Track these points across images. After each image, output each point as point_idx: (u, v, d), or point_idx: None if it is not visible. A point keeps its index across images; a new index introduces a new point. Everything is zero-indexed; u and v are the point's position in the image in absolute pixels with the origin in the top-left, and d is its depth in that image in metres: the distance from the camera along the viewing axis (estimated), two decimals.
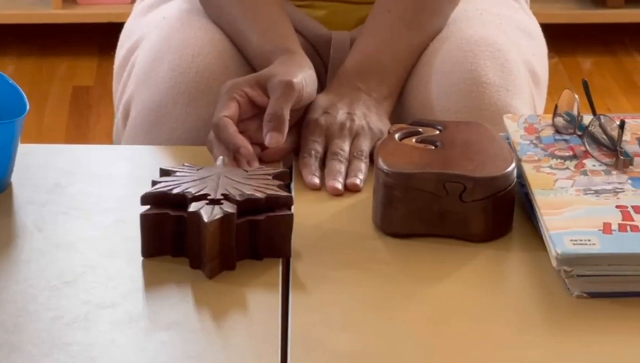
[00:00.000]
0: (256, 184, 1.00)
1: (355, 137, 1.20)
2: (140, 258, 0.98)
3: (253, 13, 1.30)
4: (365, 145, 1.18)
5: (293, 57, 1.22)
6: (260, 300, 0.94)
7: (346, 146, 1.18)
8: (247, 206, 0.97)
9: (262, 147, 1.15)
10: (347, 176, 1.15)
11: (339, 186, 1.10)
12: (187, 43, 1.30)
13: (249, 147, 1.11)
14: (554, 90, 1.35)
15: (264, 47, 1.26)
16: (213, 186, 1.00)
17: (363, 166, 1.16)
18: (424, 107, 1.25)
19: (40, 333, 0.90)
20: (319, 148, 1.18)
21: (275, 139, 1.12)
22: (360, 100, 1.26)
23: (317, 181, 1.12)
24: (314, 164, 1.16)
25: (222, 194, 0.98)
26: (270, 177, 1.03)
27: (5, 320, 0.91)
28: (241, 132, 1.13)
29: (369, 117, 1.23)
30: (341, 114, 1.22)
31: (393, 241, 1.02)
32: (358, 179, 1.13)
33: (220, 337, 0.91)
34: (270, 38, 1.26)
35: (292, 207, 1.02)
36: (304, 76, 1.18)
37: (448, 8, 1.36)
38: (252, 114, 1.16)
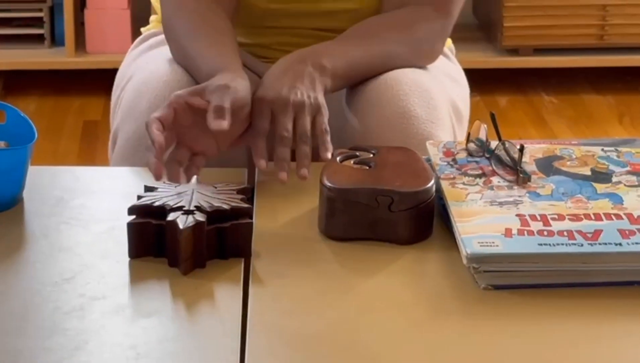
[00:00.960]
0: (223, 198, 1.00)
1: (297, 113, 1.14)
2: (127, 259, 0.98)
3: (212, 53, 1.23)
4: (307, 122, 1.13)
5: (228, 73, 1.15)
6: (225, 292, 0.94)
7: (290, 125, 1.13)
8: (215, 215, 0.97)
9: (196, 153, 1.08)
10: (297, 164, 1.09)
11: (285, 176, 1.06)
12: (160, 85, 1.26)
13: (161, 141, 1.02)
14: None
15: (213, 74, 1.16)
16: (188, 200, 0.99)
17: (308, 149, 1.11)
18: (364, 136, 1.23)
19: (43, 321, 0.90)
20: (265, 125, 1.13)
21: (217, 124, 1.04)
22: (305, 73, 1.20)
23: (264, 163, 1.08)
24: (262, 145, 1.10)
25: (195, 206, 0.97)
26: (235, 192, 1.02)
27: (14, 310, 0.91)
28: (179, 137, 1.06)
29: (311, 91, 1.18)
30: (285, 90, 1.16)
31: (335, 244, 1.01)
32: (305, 170, 1.09)
33: (192, 323, 0.91)
34: (218, 67, 1.17)
35: (253, 216, 1.01)
36: (236, 83, 1.11)
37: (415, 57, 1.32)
38: (191, 121, 1.08)
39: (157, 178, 1.00)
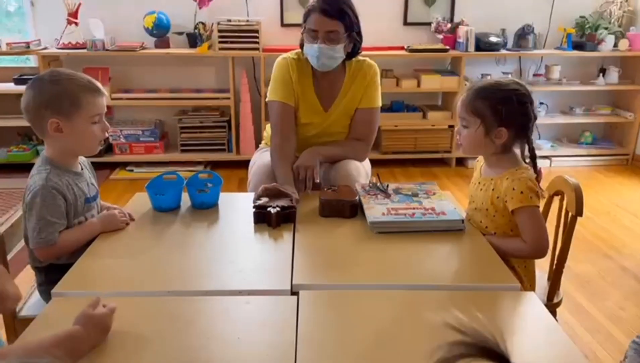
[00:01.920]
0: (286, 202, 1.01)
1: (307, 169, 1.14)
2: (252, 224, 0.99)
3: (280, 170, 1.17)
4: (309, 172, 1.13)
5: (289, 185, 1.10)
6: (286, 234, 0.95)
7: (302, 174, 1.13)
8: (283, 208, 0.99)
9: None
10: (305, 187, 1.11)
11: (297, 195, 1.03)
12: (266, 169, 1.22)
13: (259, 193, 1.01)
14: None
15: (280, 179, 1.14)
16: (274, 201, 1.01)
17: (310, 183, 1.12)
18: (334, 181, 1.19)
19: (218, 245, 0.89)
20: (296, 175, 1.13)
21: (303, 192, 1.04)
22: (310, 154, 1.18)
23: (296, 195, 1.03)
24: (295, 185, 1.09)
25: (276, 205, 0.99)
26: (290, 199, 1.03)
27: (210, 244, 0.89)
28: (269, 195, 1.01)
29: (312, 160, 1.15)
30: (302, 161, 1.15)
31: (324, 218, 1.03)
32: (308, 190, 1.10)
33: (275, 241, 0.92)
34: (285, 181, 1.13)
35: (296, 209, 1.01)
36: (292, 189, 1.07)
37: (355, 157, 1.27)
38: (275, 193, 1.03)
39: (254, 202, 0.96)
